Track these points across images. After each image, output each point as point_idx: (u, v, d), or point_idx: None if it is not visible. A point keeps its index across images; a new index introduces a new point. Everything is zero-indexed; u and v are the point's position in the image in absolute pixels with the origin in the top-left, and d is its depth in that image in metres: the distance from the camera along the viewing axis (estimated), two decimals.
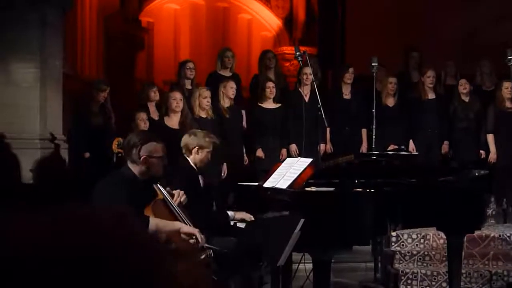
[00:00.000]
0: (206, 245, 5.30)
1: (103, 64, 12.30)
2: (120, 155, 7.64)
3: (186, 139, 6.49)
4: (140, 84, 11.28)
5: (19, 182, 9.16)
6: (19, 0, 9.11)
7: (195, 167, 6.41)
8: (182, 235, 5.08)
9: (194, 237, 5.14)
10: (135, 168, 5.31)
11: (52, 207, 1.20)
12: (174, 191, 5.49)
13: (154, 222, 5.01)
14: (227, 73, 10.22)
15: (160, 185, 5.41)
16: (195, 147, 6.39)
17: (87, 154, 9.23)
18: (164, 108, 9.22)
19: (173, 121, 9.03)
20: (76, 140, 9.54)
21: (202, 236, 5.18)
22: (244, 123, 9.91)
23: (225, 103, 9.56)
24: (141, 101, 9.71)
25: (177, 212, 5.35)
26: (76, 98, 10.00)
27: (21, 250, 1.12)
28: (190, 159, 6.41)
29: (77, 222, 1.17)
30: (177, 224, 5.19)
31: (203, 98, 9.20)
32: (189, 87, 9.92)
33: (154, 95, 9.63)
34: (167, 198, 5.36)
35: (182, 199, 5.48)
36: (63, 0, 9.60)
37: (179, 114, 9.04)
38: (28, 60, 9.22)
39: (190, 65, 10.09)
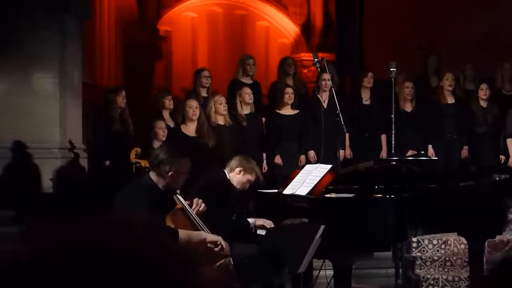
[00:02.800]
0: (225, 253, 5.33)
1: (122, 73, 12.34)
2: (138, 165, 7.66)
3: (237, 159, 6.63)
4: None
5: (40, 191, 9.21)
6: (39, 10, 9.15)
7: (233, 182, 6.49)
8: (208, 244, 5.13)
9: (219, 243, 5.19)
10: (158, 180, 5.37)
11: (80, 215, 1.20)
12: (193, 200, 5.51)
13: (184, 234, 5.08)
14: (248, 80, 10.22)
15: (179, 195, 5.44)
16: (240, 168, 6.47)
17: (107, 162, 9.23)
18: (181, 116, 9.22)
19: (190, 129, 9.04)
20: (96, 147, 9.56)
21: (226, 243, 5.22)
22: (264, 129, 9.89)
23: (243, 110, 9.55)
24: (156, 108, 9.71)
25: (196, 221, 5.37)
26: (96, 106, 10.02)
27: (55, 256, 1.12)
28: (229, 175, 6.47)
29: (109, 230, 1.17)
30: (202, 234, 5.24)
31: (219, 104, 9.20)
32: (204, 95, 9.92)
33: (169, 102, 9.62)
34: (186, 208, 5.38)
35: (200, 208, 5.50)
36: (82, 10, 9.64)
37: (195, 122, 9.05)
38: (47, 69, 9.27)
39: (206, 73, 10.10)
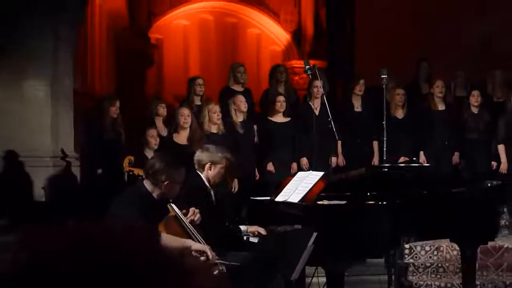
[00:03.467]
0: (219, 260, 5.31)
1: (113, 80, 12.33)
2: (131, 173, 7.64)
3: (198, 155, 6.43)
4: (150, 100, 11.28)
5: (32, 200, 9.19)
6: (31, 17, 9.15)
7: (207, 183, 6.36)
8: (193, 253, 5.11)
9: (205, 254, 5.18)
10: (152, 188, 5.39)
11: (74, 223, 1.21)
12: (189, 209, 5.50)
13: (165, 237, 5.04)
14: (239, 88, 10.22)
15: (173, 203, 5.44)
16: (207, 163, 6.33)
17: (99, 170, 9.22)
18: (173, 124, 9.21)
19: (181, 137, 9.02)
20: (88, 155, 9.55)
21: (213, 253, 5.22)
22: (256, 137, 9.89)
23: (238, 117, 9.54)
24: (149, 116, 9.70)
25: (190, 230, 5.36)
26: (88, 113, 10.01)
27: (49, 264, 1.13)
28: (203, 175, 6.35)
29: (102, 238, 1.18)
30: (188, 242, 5.23)
31: (213, 113, 9.18)
32: (198, 103, 9.91)
33: (163, 110, 9.62)
34: (179, 216, 5.37)
35: (196, 218, 5.48)
36: (74, 17, 9.63)
37: (187, 130, 9.02)
38: (39, 77, 9.26)
39: (200, 81, 10.10)
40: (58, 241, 1.17)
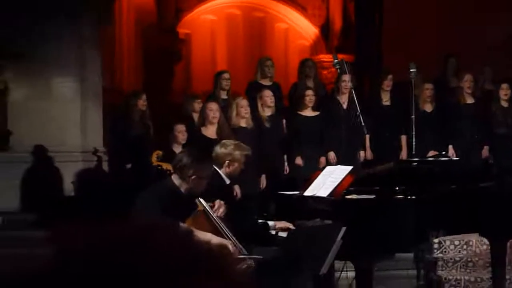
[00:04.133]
0: (247, 255, 5.31)
1: (141, 76, 12.39)
2: (160, 167, 7.66)
3: (217, 151, 6.39)
4: (179, 95, 11.32)
5: (62, 194, 9.27)
6: (58, 15, 9.21)
7: (226, 179, 6.36)
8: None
9: (225, 248, 5.16)
10: (180, 183, 5.38)
11: (104, 219, 1.21)
12: (215, 202, 5.50)
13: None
14: (267, 82, 10.21)
15: (201, 199, 5.44)
16: (226, 160, 6.32)
17: (128, 165, 9.26)
18: (201, 118, 9.22)
19: (210, 131, 9.02)
20: (117, 150, 9.59)
21: (234, 248, 5.20)
22: (285, 131, 9.88)
23: (265, 112, 9.53)
24: (185, 112, 9.72)
25: (218, 224, 5.36)
26: (116, 109, 10.06)
27: (81, 261, 1.14)
28: (221, 171, 6.34)
29: (133, 236, 1.18)
30: (207, 235, 5.19)
31: (241, 108, 9.17)
32: (224, 97, 9.92)
33: (199, 106, 9.60)
34: (207, 210, 5.37)
35: (221, 210, 5.49)
36: (102, 16, 9.69)
37: (216, 125, 9.03)
38: (68, 74, 9.34)
39: (226, 75, 10.10)
40: (87, 238, 1.18)
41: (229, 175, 6.35)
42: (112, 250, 1.15)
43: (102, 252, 1.15)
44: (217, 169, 6.31)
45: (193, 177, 5.35)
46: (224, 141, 6.74)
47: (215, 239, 5.21)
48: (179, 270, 1.14)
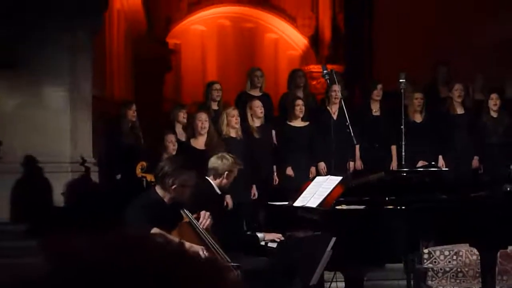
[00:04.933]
0: (235, 264, 5.29)
1: (132, 86, 12.37)
2: (144, 179, 7.64)
3: (216, 163, 6.42)
4: (169, 105, 11.31)
5: (51, 205, 9.24)
6: (50, 24, 9.20)
7: (218, 190, 6.38)
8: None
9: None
10: (163, 193, 5.34)
11: (95, 230, 1.22)
12: (200, 213, 5.48)
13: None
14: (256, 93, 10.21)
15: (186, 210, 5.42)
16: (225, 172, 6.37)
17: (119, 176, 9.23)
18: (190, 129, 9.21)
19: (199, 142, 9.02)
20: (107, 161, 9.57)
21: (206, 254, 5.16)
22: (275, 142, 9.88)
23: (255, 122, 9.53)
24: (170, 121, 9.71)
25: (204, 235, 5.35)
26: (106, 119, 10.05)
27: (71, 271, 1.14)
28: (214, 183, 6.36)
29: (124, 245, 1.19)
30: (186, 244, 5.17)
31: (232, 117, 9.17)
32: (215, 108, 9.92)
33: (183, 116, 9.60)
34: (193, 222, 5.36)
35: (207, 222, 5.46)
36: (92, 25, 9.68)
37: (205, 135, 9.03)
38: (58, 83, 9.32)
39: (217, 86, 10.09)
40: (81, 245, 1.19)
41: (222, 187, 6.37)
42: (107, 257, 1.15)
43: (97, 258, 1.15)
44: (210, 180, 6.33)
45: (174, 186, 5.30)
46: (222, 153, 6.76)
47: (191, 248, 5.18)
48: (172, 278, 1.15)
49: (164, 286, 1.14)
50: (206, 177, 6.38)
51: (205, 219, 5.47)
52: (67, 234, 1.21)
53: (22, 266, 1.17)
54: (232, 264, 5.29)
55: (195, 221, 5.37)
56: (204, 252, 5.13)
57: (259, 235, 6.23)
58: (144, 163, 8.05)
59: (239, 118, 9.23)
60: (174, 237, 5.13)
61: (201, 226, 5.39)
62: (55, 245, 1.21)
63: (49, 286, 1.14)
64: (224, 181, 6.34)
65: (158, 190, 5.39)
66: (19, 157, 9.17)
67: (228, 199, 8.38)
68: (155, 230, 4.98)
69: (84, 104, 9.56)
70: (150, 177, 6.49)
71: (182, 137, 9.42)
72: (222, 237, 5.51)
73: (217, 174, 6.34)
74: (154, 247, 1.20)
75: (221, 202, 6.39)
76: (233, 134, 9.19)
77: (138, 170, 7.82)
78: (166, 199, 5.36)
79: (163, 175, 5.35)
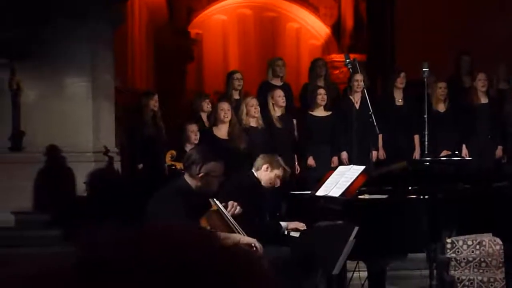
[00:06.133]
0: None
1: (153, 77, 12.41)
2: (173, 167, 7.70)
3: (262, 156, 6.63)
4: (191, 95, 11.34)
5: (74, 194, 9.30)
6: (72, 15, 9.24)
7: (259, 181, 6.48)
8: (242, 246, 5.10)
9: (253, 246, 5.19)
10: (192, 182, 5.36)
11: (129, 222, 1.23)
12: (228, 203, 5.51)
13: (221, 236, 5.06)
14: (278, 82, 10.21)
15: (215, 198, 5.44)
16: (265, 164, 6.45)
17: (140, 165, 9.28)
18: (213, 118, 9.24)
19: (221, 131, 9.04)
20: (129, 151, 9.61)
21: (261, 245, 5.22)
22: (296, 132, 9.88)
23: (276, 112, 9.53)
24: (194, 111, 9.74)
25: (231, 223, 5.37)
26: (128, 110, 10.08)
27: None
28: (257, 174, 6.46)
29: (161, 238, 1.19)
30: (237, 236, 5.23)
31: (251, 107, 9.18)
32: (237, 97, 9.93)
33: (207, 106, 9.62)
34: (221, 210, 5.38)
35: (236, 211, 5.50)
36: (114, 16, 9.71)
37: (227, 125, 9.05)
38: (80, 74, 9.36)
39: (238, 75, 10.10)
40: (118, 242, 1.19)
41: (264, 181, 6.45)
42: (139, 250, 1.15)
43: (137, 255, 1.15)
44: (254, 171, 6.44)
45: (201, 174, 5.33)
46: (274, 155, 6.90)
47: (244, 239, 5.26)
48: (210, 272, 1.15)
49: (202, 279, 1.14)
50: (252, 170, 6.49)
51: (233, 207, 5.49)
52: (102, 231, 1.21)
53: (49, 256, 1.18)
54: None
55: (223, 209, 5.39)
56: (256, 244, 5.21)
57: (282, 224, 6.25)
58: (174, 152, 8.13)
59: (258, 107, 9.23)
60: (203, 225, 5.17)
61: (229, 215, 5.41)
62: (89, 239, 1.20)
63: (82, 275, 1.14)
64: (265, 173, 6.48)
65: (187, 178, 5.41)
66: (42, 147, 9.22)
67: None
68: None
69: (106, 94, 9.60)
70: (179, 165, 6.53)
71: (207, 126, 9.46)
72: (246, 224, 5.53)
73: (259, 166, 6.49)
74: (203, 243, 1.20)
75: (259, 193, 6.45)
76: (253, 123, 9.20)
77: (168, 158, 7.90)
78: (194, 187, 5.37)
79: (191, 163, 5.38)
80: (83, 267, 1.14)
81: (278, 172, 6.50)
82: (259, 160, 6.57)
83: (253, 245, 5.22)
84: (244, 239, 5.26)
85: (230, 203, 5.52)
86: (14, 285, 1.14)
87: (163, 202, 5.23)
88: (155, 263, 1.13)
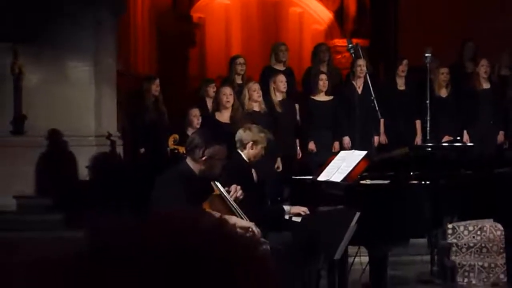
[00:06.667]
0: (262, 239, 5.31)
1: (156, 61, 12.39)
2: (176, 151, 7.70)
3: (241, 134, 6.46)
4: (194, 80, 11.33)
5: (76, 179, 9.31)
6: (74, 1, 9.23)
7: (248, 161, 6.41)
8: (238, 230, 5.07)
9: (250, 230, 5.17)
10: (194, 166, 5.34)
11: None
12: (231, 187, 5.50)
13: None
14: (280, 67, 10.21)
15: (217, 182, 5.42)
16: (249, 142, 6.38)
17: (142, 150, 9.28)
18: (215, 103, 9.24)
19: (224, 116, 9.03)
20: (131, 135, 9.61)
21: (258, 230, 5.20)
22: (298, 117, 9.88)
23: (277, 97, 9.53)
24: (200, 97, 9.74)
25: (234, 208, 5.36)
26: (130, 94, 10.08)
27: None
28: (244, 154, 6.39)
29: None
30: (232, 219, 5.20)
31: (253, 91, 9.16)
32: (239, 82, 9.93)
33: (213, 91, 9.63)
34: (224, 194, 5.37)
35: (238, 194, 5.49)
36: (117, 3, 9.71)
37: (229, 109, 9.03)
38: (83, 58, 9.35)
39: (241, 60, 10.10)
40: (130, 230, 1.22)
41: (251, 158, 6.38)
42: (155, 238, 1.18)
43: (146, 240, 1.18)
44: (240, 151, 6.36)
45: (204, 157, 5.31)
46: (247, 125, 6.78)
47: (240, 222, 5.22)
48: (209, 259, 1.18)
49: (200, 264, 1.17)
50: (237, 150, 6.41)
51: (236, 191, 5.47)
52: (114, 220, 1.24)
53: (51, 241, 1.20)
54: (262, 240, 5.32)
55: (226, 194, 5.38)
56: (254, 229, 5.18)
57: (285, 207, 6.24)
58: (177, 136, 8.14)
59: (260, 92, 9.21)
60: (206, 209, 5.15)
61: (231, 199, 5.40)
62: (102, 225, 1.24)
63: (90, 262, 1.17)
64: (251, 151, 6.35)
65: (189, 162, 5.38)
66: (44, 131, 9.23)
67: (253, 173, 8.41)
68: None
69: (108, 79, 9.60)
70: (182, 149, 6.51)
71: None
72: (248, 209, 5.51)
73: (242, 146, 6.37)
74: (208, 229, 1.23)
75: (249, 174, 6.39)
76: (256, 107, 9.18)
77: (171, 142, 7.91)
78: (196, 171, 5.35)
79: (193, 147, 5.36)
80: (86, 254, 1.17)
81: (262, 145, 6.43)
82: (240, 139, 6.42)
83: (250, 229, 5.19)
84: (241, 222, 5.22)
85: (233, 186, 5.49)
86: (18, 271, 1.16)
87: (165, 187, 5.21)
88: (156, 250, 1.15)
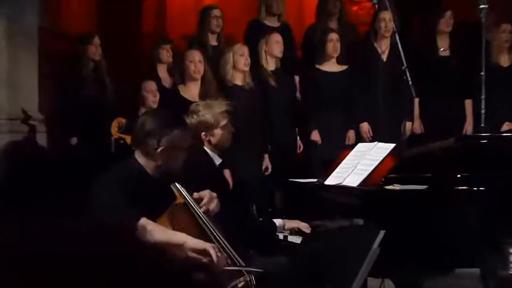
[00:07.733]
0: (244, 266, 5.24)
1: (96, 15, 12.33)
2: (122, 141, 7.62)
3: (189, 122, 6.32)
4: (149, 41, 11.31)
5: None
6: None
7: (216, 158, 6.33)
8: (189, 253, 4.96)
9: (208, 253, 5.05)
10: (146, 162, 5.29)
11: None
12: (202, 193, 5.40)
13: (153, 231, 4.91)
14: (274, 23, 10.24)
15: (177, 184, 5.33)
16: (201, 132, 6.28)
17: (74, 140, 9.24)
18: (178, 73, 9.20)
19: (191, 91, 9.02)
20: (60, 118, 9.56)
21: (219, 254, 5.08)
22: (298, 93, 9.84)
23: (270, 65, 9.50)
24: (151, 63, 9.74)
25: (204, 221, 5.27)
26: (59, 60, 10.03)
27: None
28: (207, 147, 6.31)
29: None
30: (181, 237, 5.08)
31: (240, 56, 9.14)
32: (214, 43, 9.93)
33: (167, 54, 9.63)
34: (189, 202, 5.28)
35: (212, 206, 5.39)
36: None
37: (199, 82, 9.03)
38: None
39: (216, 12, 10.10)
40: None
41: (217, 151, 6.32)
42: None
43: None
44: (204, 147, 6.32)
45: (160, 148, 5.22)
46: (192, 105, 6.66)
47: (191, 242, 5.08)
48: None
49: None
50: (204, 147, 6.34)
51: (209, 201, 5.38)
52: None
53: None
54: (243, 266, 5.23)
55: (192, 202, 5.28)
56: (217, 252, 5.05)
57: (277, 222, 6.25)
58: (123, 120, 8.05)
59: (249, 59, 9.18)
60: (163, 225, 5.05)
61: (201, 210, 5.30)
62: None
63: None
64: (209, 144, 6.30)
65: (139, 157, 5.32)
66: None
67: (227, 175, 8.33)
68: (143, 221, 4.93)
69: (27, 39, 9.59)
70: (130, 139, 6.43)
71: (167, 84, 9.43)
72: (225, 226, 5.44)
73: (196, 138, 6.24)
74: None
75: (220, 176, 6.35)
76: (238, 81, 9.14)
77: (114, 130, 7.80)
78: (149, 170, 5.29)
79: (144, 135, 5.26)
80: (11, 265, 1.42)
81: (219, 122, 6.36)
82: (204, 122, 6.35)
83: (208, 252, 5.05)
84: (192, 242, 5.10)
85: (206, 193, 5.41)
86: None
87: (106, 193, 5.16)
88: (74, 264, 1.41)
